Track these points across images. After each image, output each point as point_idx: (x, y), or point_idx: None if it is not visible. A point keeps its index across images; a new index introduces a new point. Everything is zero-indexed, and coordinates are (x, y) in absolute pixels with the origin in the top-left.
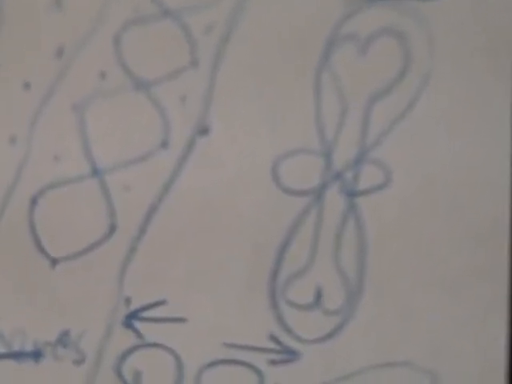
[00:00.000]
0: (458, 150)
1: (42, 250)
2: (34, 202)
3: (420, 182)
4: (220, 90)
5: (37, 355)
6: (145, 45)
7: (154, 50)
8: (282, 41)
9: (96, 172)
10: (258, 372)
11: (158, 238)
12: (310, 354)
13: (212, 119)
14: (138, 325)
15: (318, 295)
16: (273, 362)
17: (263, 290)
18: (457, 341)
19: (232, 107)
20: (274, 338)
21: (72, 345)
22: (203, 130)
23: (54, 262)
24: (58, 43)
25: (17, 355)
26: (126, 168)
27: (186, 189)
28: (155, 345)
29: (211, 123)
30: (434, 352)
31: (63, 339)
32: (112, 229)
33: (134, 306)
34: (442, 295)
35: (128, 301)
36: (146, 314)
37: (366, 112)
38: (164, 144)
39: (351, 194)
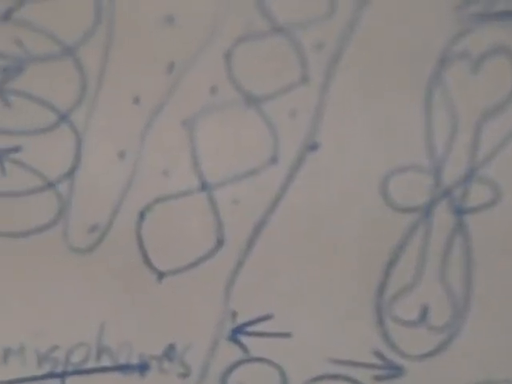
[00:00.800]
0: None
1: (149, 263)
2: (142, 215)
3: None
4: (330, 106)
5: (143, 368)
6: (256, 60)
7: (264, 66)
8: (393, 58)
9: (205, 186)
10: None
11: (266, 253)
12: (415, 371)
13: (321, 135)
14: (243, 339)
15: (424, 312)
16: (377, 378)
17: (369, 306)
18: None
19: (342, 123)
20: (378, 354)
21: (177, 358)
22: (312, 146)
23: (161, 275)
24: (169, 58)
25: (123, 368)
26: (234, 183)
27: (295, 204)
28: (260, 359)
29: (320, 139)
30: None
31: (169, 353)
32: (220, 243)
33: (240, 320)
34: None
35: (234, 315)
36: (251, 328)
37: (476, 130)
38: (273, 159)
39: (459, 211)
